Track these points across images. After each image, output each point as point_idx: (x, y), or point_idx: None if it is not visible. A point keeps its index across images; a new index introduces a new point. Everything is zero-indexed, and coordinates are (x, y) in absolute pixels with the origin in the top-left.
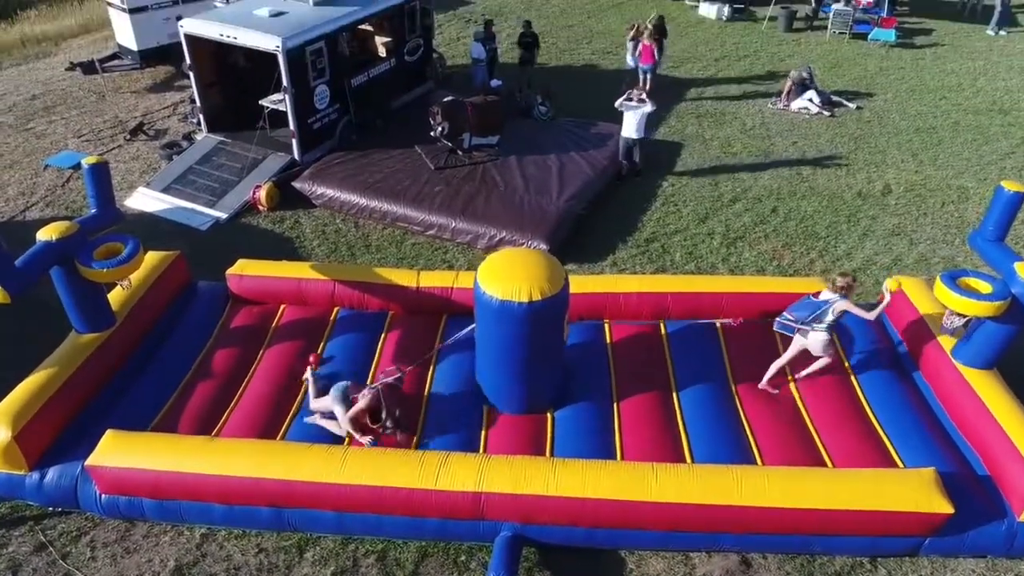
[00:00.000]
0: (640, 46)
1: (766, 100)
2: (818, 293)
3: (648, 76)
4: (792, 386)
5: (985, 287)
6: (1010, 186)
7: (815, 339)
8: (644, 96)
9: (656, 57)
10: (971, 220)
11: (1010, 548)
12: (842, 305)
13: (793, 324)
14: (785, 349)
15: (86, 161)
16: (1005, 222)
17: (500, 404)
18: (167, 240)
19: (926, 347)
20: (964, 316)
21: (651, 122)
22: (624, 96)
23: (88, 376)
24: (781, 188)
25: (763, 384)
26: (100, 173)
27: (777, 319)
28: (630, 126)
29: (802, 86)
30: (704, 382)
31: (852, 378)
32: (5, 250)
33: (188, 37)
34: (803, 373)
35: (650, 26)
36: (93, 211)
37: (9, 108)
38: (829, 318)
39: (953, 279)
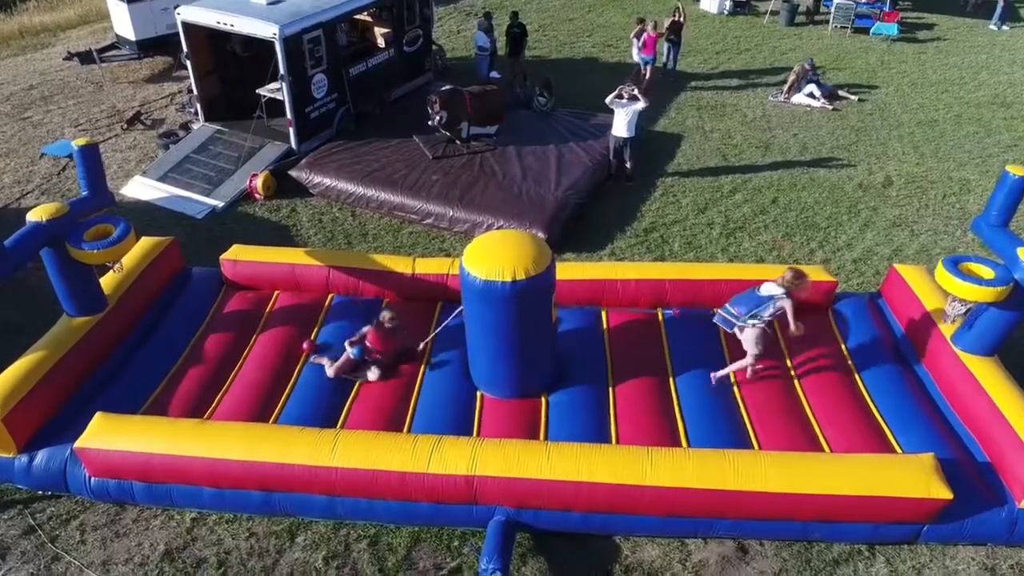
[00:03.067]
0: (644, 37)
1: (767, 93)
2: (760, 286)
3: (648, 67)
4: (790, 371)
5: (987, 272)
6: (1016, 171)
7: (748, 334)
8: (636, 93)
9: (655, 50)
10: (973, 212)
11: (1010, 535)
12: (785, 304)
13: (733, 321)
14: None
15: (76, 143)
16: (1009, 207)
17: (492, 388)
18: (163, 228)
19: (926, 334)
20: (966, 303)
21: (651, 115)
22: (615, 93)
23: (79, 359)
24: (781, 179)
25: (718, 376)
26: (90, 156)
27: (718, 311)
28: (620, 124)
29: (805, 79)
30: (701, 368)
31: (850, 364)
32: None
33: (185, 25)
34: (721, 372)
35: (670, 20)
36: (84, 194)
37: (7, 98)
38: (767, 315)
39: (955, 264)
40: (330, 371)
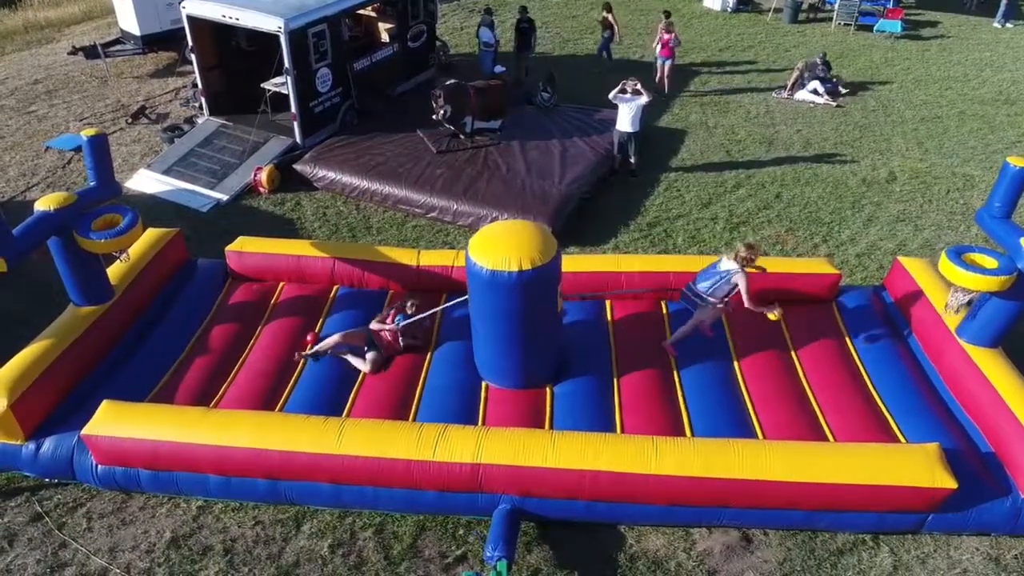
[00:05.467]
0: (659, 36)
1: (770, 90)
2: (719, 260)
3: (666, 66)
4: (795, 362)
5: (990, 262)
6: (1016, 161)
7: (702, 311)
8: (639, 87)
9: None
10: (976, 207)
11: (1014, 526)
12: (739, 279)
13: (696, 300)
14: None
15: (84, 133)
16: (1012, 198)
17: (497, 379)
18: (168, 221)
19: (930, 325)
20: (969, 293)
21: (655, 111)
22: (618, 88)
23: (86, 348)
24: (785, 174)
25: (666, 343)
26: (99, 145)
27: (684, 289)
28: (624, 119)
29: (812, 76)
30: (705, 359)
31: (854, 355)
32: (3, 220)
33: (190, 18)
34: (673, 337)
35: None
36: (92, 184)
37: (11, 92)
38: (724, 290)
39: (958, 254)
40: (336, 338)
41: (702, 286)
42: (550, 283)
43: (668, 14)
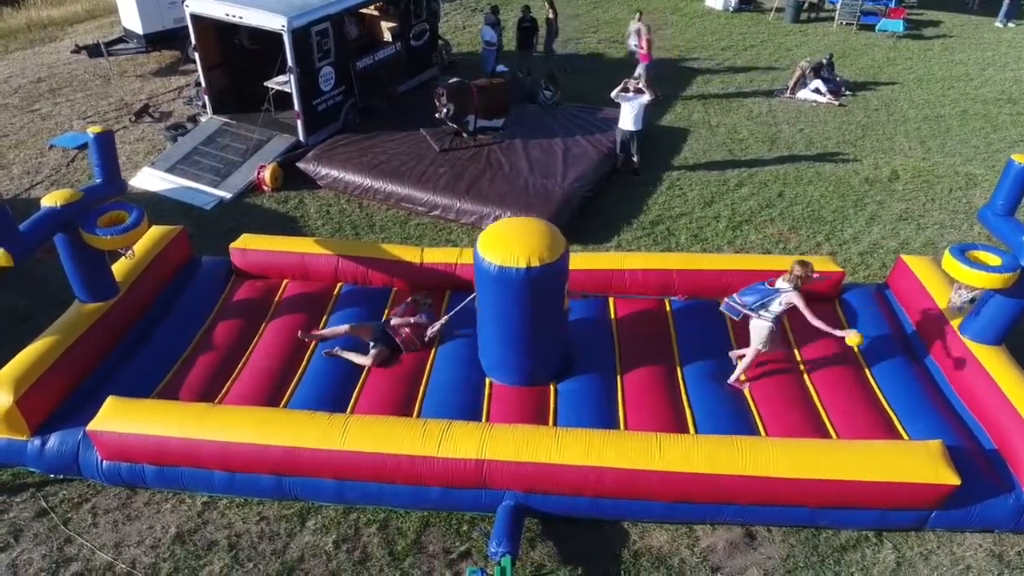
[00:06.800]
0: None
1: (772, 89)
2: (773, 281)
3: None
4: (798, 360)
5: (994, 260)
6: (1020, 159)
7: (757, 326)
8: (642, 86)
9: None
10: (979, 206)
11: (1018, 522)
12: (792, 298)
13: (740, 308)
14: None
15: (91, 130)
16: (1015, 196)
17: (501, 376)
18: (171, 219)
19: (933, 324)
20: (972, 290)
21: (657, 110)
22: (620, 87)
23: (91, 345)
24: (787, 173)
25: (731, 380)
26: (105, 143)
27: (725, 300)
28: (627, 118)
29: (816, 75)
30: (708, 357)
31: (857, 354)
32: (9, 215)
33: (193, 17)
34: (733, 376)
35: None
36: (97, 180)
37: (15, 90)
38: (776, 308)
39: (962, 252)
40: (345, 328)
41: (747, 300)
42: (558, 280)
43: (640, 14)
